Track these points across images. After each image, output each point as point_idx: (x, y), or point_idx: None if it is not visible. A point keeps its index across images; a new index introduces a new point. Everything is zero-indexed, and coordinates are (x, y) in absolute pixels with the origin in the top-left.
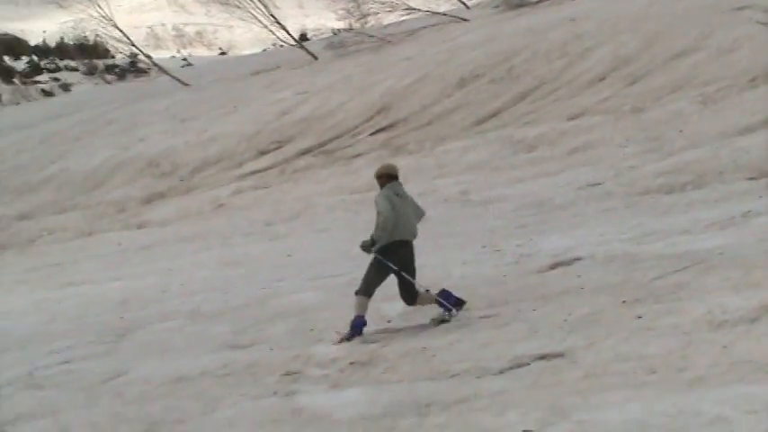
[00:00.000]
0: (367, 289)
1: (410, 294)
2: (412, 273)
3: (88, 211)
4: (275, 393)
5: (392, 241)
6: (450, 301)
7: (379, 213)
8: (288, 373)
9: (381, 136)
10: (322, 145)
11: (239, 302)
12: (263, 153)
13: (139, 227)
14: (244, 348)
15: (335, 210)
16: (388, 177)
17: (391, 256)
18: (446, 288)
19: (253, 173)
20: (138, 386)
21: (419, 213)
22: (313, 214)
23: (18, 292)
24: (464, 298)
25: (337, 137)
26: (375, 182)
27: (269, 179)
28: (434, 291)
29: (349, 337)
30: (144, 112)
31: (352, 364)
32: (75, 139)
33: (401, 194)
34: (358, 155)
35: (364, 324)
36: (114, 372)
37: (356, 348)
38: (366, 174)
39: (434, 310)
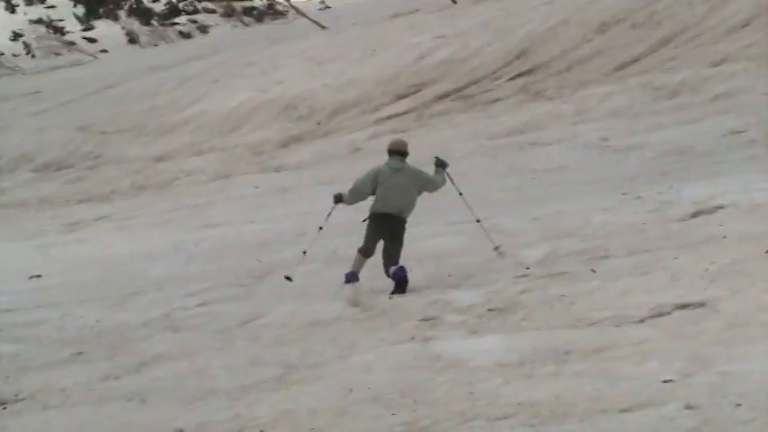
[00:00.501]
0: (361, 249)
1: (386, 264)
2: (389, 246)
3: (225, 154)
4: (412, 338)
5: (373, 212)
6: (397, 276)
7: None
8: (425, 319)
9: (520, 81)
10: (460, 89)
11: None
12: (400, 97)
13: (276, 170)
14: (382, 292)
15: (473, 155)
16: (389, 152)
17: (369, 224)
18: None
19: (390, 117)
20: (275, 329)
21: (430, 183)
22: (450, 159)
23: (155, 234)
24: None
25: (476, 81)
26: (514, 128)
27: (406, 123)
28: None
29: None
30: (282, 55)
31: (489, 310)
32: (213, 81)
33: (397, 169)
34: (496, 100)
35: (354, 277)
36: (251, 315)
37: (494, 295)
38: (505, 119)
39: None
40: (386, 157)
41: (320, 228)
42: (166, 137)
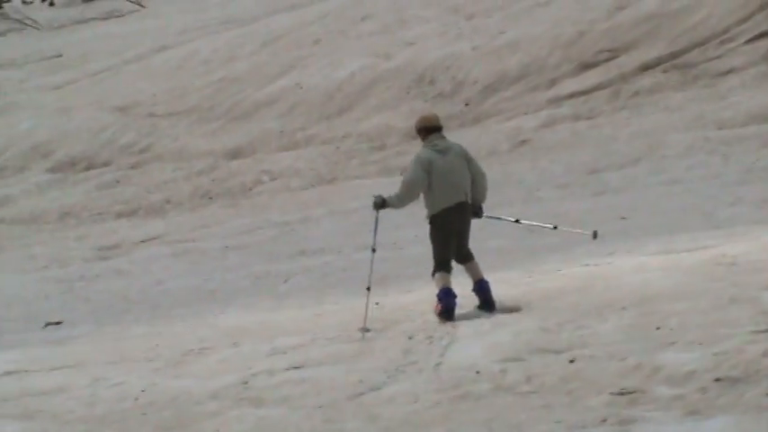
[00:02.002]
0: (441, 265)
1: (461, 254)
2: (465, 237)
3: (329, 148)
4: (604, 421)
5: (440, 209)
6: (483, 296)
7: (402, 177)
8: (622, 392)
9: (763, 43)
10: (675, 56)
11: (553, 286)
12: (586, 67)
13: (403, 171)
14: (557, 353)
15: (694, 152)
16: (426, 131)
17: (442, 226)
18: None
19: (571, 95)
20: (402, 405)
21: (478, 174)
22: (660, 158)
23: (227, 264)
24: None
25: (697, 44)
26: (755, 112)
27: (595, 105)
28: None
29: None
30: (412, 5)
31: (718, 380)
32: (312, 41)
33: (444, 150)
34: (728, 71)
35: (453, 296)
36: (366, 383)
37: (725, 358)
38: (740, 100)
39: None
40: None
41: (373, 250)
42: (244, 123)
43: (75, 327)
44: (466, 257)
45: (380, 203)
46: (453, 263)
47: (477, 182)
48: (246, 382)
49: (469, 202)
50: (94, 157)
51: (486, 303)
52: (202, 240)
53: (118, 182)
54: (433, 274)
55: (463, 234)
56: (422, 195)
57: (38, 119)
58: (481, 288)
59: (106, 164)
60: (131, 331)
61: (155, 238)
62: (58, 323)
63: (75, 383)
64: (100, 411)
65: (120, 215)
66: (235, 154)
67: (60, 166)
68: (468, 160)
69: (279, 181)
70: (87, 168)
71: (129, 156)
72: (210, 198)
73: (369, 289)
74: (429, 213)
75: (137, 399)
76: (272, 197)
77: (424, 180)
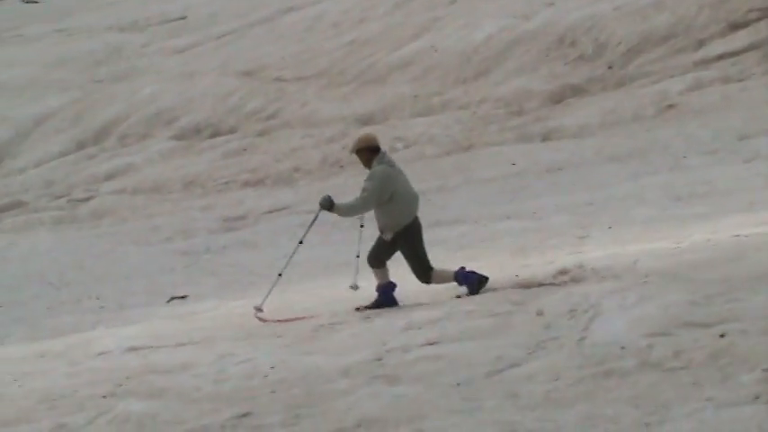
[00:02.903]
0: (424, 268)
1: (375, 258)
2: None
3: (466, 113)
4: (756, 399)
5: (409, 221)
6: (471, 280)
7: (363, 191)
8: None
9: None
10: None
11: (702, 257)
12: (736, 27)
13: (544, 138)
14: (707, 328)
15: None
16: (371, 151)
17: (414, 234)
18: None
19: (720, 57)
20: (542, 382)
21: None
22: None
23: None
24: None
25: None
26: None
27: (745, 67)
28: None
29: (377, 306)
30: None
31: None
32: (448, 1)
33: (396, 167)
34: None
35: (393, 288)
36: (505, 360)
37: None
38: None
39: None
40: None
41: (300, 242)
42: (376, 87)
43: (201, 301)
44: (428, 272)
45: (327, 206)
46: (361, 261)
47: None
48: (380, 359)
49: None
50: (220, 124)
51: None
52: None
53: (244, 149)
54: (429, 282)
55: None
56: (375, 212)
57: (161, 84)
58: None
59: (232, 131)
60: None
61: (283, 209)
62: (182, 297)
63: (201, 360)
64: (227, 389)
65: (246, 184)
66: (366, 120)
67: (184, 133)
68: None
69: (413, 148)
70: (212, 135)
71: (256, 122)
72: (341, 166)
73: (280, 275)
74: (396, 228)
75: (266, 376)
76: (405, 165)
77: (384, 197)
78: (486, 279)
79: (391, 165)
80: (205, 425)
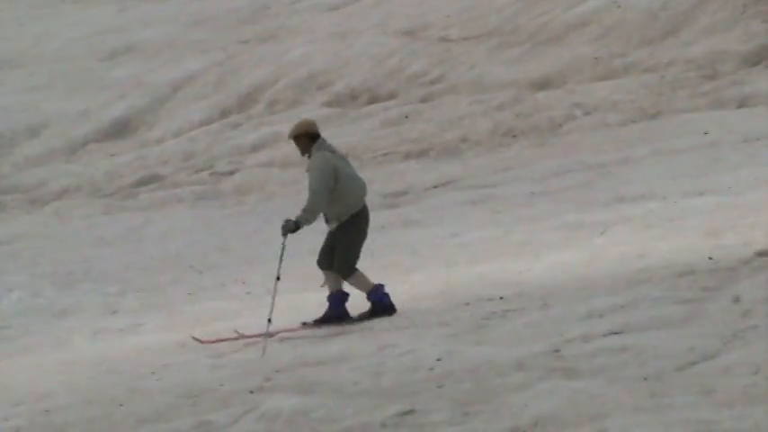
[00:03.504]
0: (353, 266)
1: (327, 258)
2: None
3: (652, 77)
4: None
5: (357, 209)
6: (383, 302)
7: (310, 188)
8: None
9: None
10: None
11: None
12: None
13: (740, 104)
14: None
15: None
16: (310, 137)
17: (360, 225)
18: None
19: None
20: (740, 377)
21: None
22: None
23: (534, 211)
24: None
25: None
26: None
27: None
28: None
29: (325, 320)
30: None
31: None
32: None
33: (337, 152)
34: None
35: (345, 299)
36: (698, 352)
37: None
38: None
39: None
40: None
41: (278, 278)
42: (552, 48)
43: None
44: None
45: (293, 228)
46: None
47: None
48: (558, 350)
49: None
50: (378, 89)
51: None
52: (504, 185)
53: (406, 117)
54: (347, 277)
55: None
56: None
57: (313, 45)
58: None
59: (392, 96)
60: (423, 291)
61: (448, 183)
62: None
63: (358, 351)
64: (387, 383)
65: (408, 156)
66: (541, 85)
67: (339, 99)
68: None
69: (593, 116)
70: (370, 102)
71: (419, 87)
72: (514, 136)
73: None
74: (343, 216)
75: (431, 369)
76: (585, 135)
77: (331, 186)
78: (393, 311)
79: (332, 151)
80: (363, 423)
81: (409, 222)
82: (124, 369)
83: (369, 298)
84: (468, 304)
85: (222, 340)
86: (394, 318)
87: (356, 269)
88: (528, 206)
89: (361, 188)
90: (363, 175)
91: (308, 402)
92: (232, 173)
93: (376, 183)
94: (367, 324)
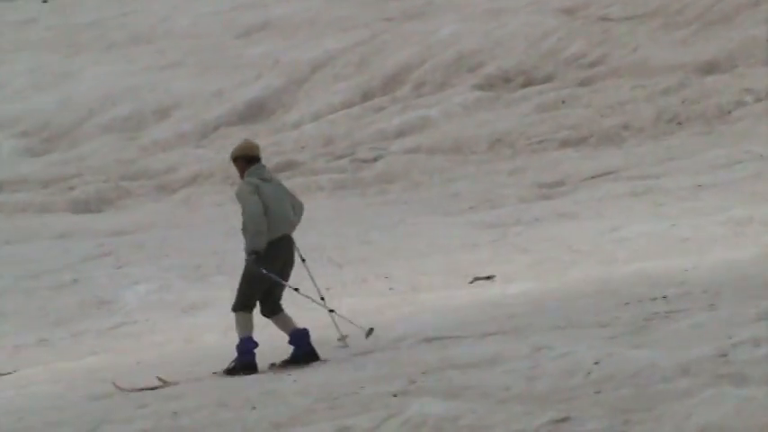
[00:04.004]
0: (244, 302)
1: (273, 304)
2: (287, 279)
3: None
4: None
5: (271, 240)
6: (301, 346)
7: (243, 214)
8: None
9: None
10: None
11: None
12: None
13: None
14: None
15: None
16: (246, 160)
17: (271, 260)
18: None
19: None
20: None
21: (297, 206)
22: None
23: (699, 204)
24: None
25: None
26: None
27: None
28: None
29: (235, 369)
30: None
31: None
32: None
33: (269, 179)
34: None
35: (255, 346)
36: None
37: None
38: None
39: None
40: None
41: (296, 289)
42: (721, 29)
43: (510, 282)
44: (275, 309)
45: (254, 259)
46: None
47: (297, 213)
48: (725, 355)
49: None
50: (533, 72)
51: (310, 355)
52: (668, 176)
53: (563, 102)
54: (235, 310)
55: (285, 275)
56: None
57: (463, 23)
58: (301, 339)
59: (548, 79)
60: (579, 289)
61: (609, 173)
62: (488, 278)
63: (510, 354)
64: (542, 388)
65: (565, 144)
66: (709, 68)
67: (490, 82)
68: (291, 196)
69: (765, 102)
70: (524, 85)
71: (577, 69)
72: (679, 123)
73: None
74: (251, 246)
75: (588, 373)
76: (756, 122)
77: (261, 206)
78: (315, 357)
79: (263, 178)
80: (515, 431)
81: (564, 215)
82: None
83: (238, 348)
84: (628, 304)
85: (143, 389)
86: (550, 317)
87: (245, 309)
88: (693, 199)
89: (280, 218)
90: (515, 164)
91: (455, 408)
92: (375, 160)
93: (529, 172)
94: (520, 323)
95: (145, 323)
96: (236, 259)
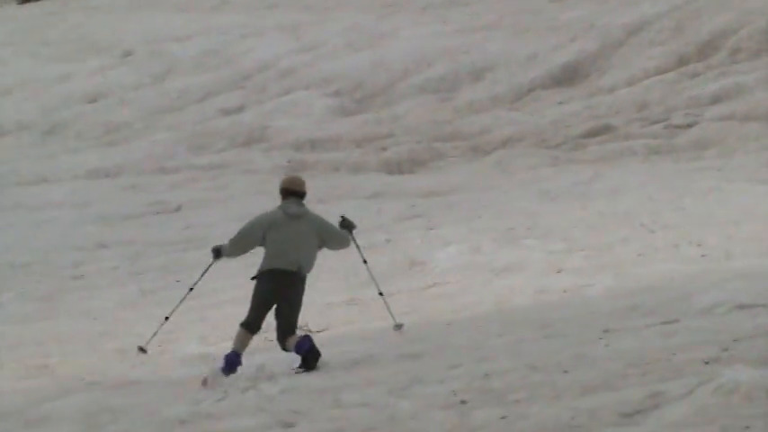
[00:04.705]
0: (247, 322)
1: (282, 334)
2: (287, 312)
3: None
4: None
5: (262, 271)
6: (303, 349)
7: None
8: None
9: None
10: None
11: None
12: None
13: None
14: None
15: None
16: (285, 193)
17: (256, 288)
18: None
19: None
20: None
21: (335, 239)
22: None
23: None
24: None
25: None
26: None
27: None
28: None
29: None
30: None
31: None
32: None
33: (293, 215)
34: None
35: (237, 361)
36: None
37: None
38: None
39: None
40: None
41: (190, 289)
42: None
43: None
44: (285, 336)
45: (218, 252)
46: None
47: (337, 238)
48: None
49: (300, 273)
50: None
51: (310, 351)
52: None
53: None
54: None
55: (291, 303)
56: None
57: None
58: (302, 345)
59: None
60: None
61: None
62: None
63: None
64: None
65: None
66: None
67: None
68: (326, 233)
69: None
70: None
71: None
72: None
73: (167, 318)
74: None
75: None
76: None
77: (254, 237)
78: (317, 354)
79: (288, 213)
80: None
81: None
82: (569, 333)
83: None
84: None
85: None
86: None
87: (244, 326)
88: None
89: (274, 255)
90: None
91: None
92: (689, 126)
93: None
94: None
95: (455, 284)
96: (550, 223)
